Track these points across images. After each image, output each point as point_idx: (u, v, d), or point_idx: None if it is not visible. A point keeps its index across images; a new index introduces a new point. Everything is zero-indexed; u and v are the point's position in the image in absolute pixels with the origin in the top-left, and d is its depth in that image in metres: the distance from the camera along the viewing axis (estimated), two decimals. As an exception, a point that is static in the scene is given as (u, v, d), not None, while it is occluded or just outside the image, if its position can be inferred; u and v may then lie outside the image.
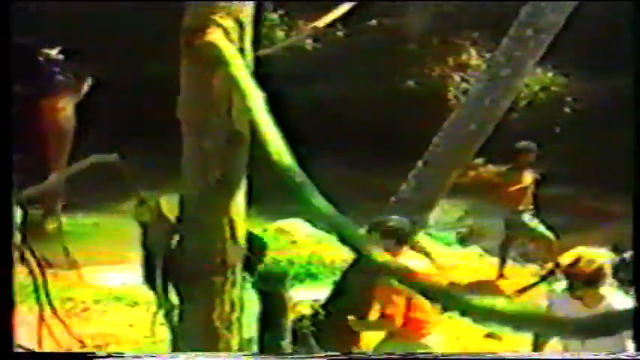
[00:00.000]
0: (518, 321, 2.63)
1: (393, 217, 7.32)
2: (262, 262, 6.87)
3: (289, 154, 3.20)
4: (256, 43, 3.87)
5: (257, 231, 8.00)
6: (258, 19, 3.88)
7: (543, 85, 17.25)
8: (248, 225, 4.03)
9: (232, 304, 3.94)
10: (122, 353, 5.50)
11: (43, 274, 4.55)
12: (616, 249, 7.72)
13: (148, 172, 4.37)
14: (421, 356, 5.51)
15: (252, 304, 6.32)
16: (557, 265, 6.70)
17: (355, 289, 8.28)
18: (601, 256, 6.34)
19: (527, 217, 11.36)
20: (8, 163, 3.86)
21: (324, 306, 8.57)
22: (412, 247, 7.38)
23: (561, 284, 6.52)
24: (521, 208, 11.31)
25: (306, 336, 7.94)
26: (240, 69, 3.53)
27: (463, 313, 2.68)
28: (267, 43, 11.89)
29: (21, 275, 6.32)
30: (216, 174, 3.82)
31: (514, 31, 9.15)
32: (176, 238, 3.94)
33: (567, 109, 17.15)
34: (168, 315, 4.03)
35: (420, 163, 9.17)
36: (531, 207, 11.40)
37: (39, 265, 4.46)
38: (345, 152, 15.10)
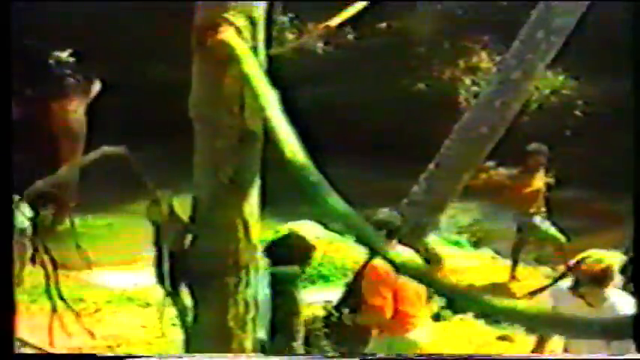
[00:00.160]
0: (537, 322, 2.60)
1: (383, 210, 7.15)
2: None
3: (303, 153, 3.16)
4: (268, 43, 3.85)
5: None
6: (269, 20, 3.85)
7: (554, 88, 17.22)
8: (261, 227, 4.00)
9: (246, 305, 3.91)
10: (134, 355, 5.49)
11: (56, 271, 4.54)
12: (627, 251, 7.69)
13: (159, 172, 4.33)
14: (435, 356, 5.48)
15: (265, 305, 6.30)
16: (569, 268, 6.68)
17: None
18: (610, 257, 6.35)
19: (538, 220, 11.33)
20: (8, 163, 3.85)
21: (336, 307, 8.54)
22: (425, 250, 7.33)
23: (566, 282, 6.52)
24: (532, 210, 11.28)
25: (319, 337, 7.92)
26: (253, 67, 3.49)
27: (481, 315, 2.66)
28: (277, 46, 11.86)
29: (30, 276, 6.34)
30: (229, 173, 3.77)
31: (525, 33, 9.13)
32: (189, 238, 3.91)
33: (578, 112, 17.11)
34: (180, 315, 4.01)
35: (431, 166, 9.17)
36: (543, 209, 11.38)
37: (52, 262, 4.44)
38: (356, 155, 15.06)
